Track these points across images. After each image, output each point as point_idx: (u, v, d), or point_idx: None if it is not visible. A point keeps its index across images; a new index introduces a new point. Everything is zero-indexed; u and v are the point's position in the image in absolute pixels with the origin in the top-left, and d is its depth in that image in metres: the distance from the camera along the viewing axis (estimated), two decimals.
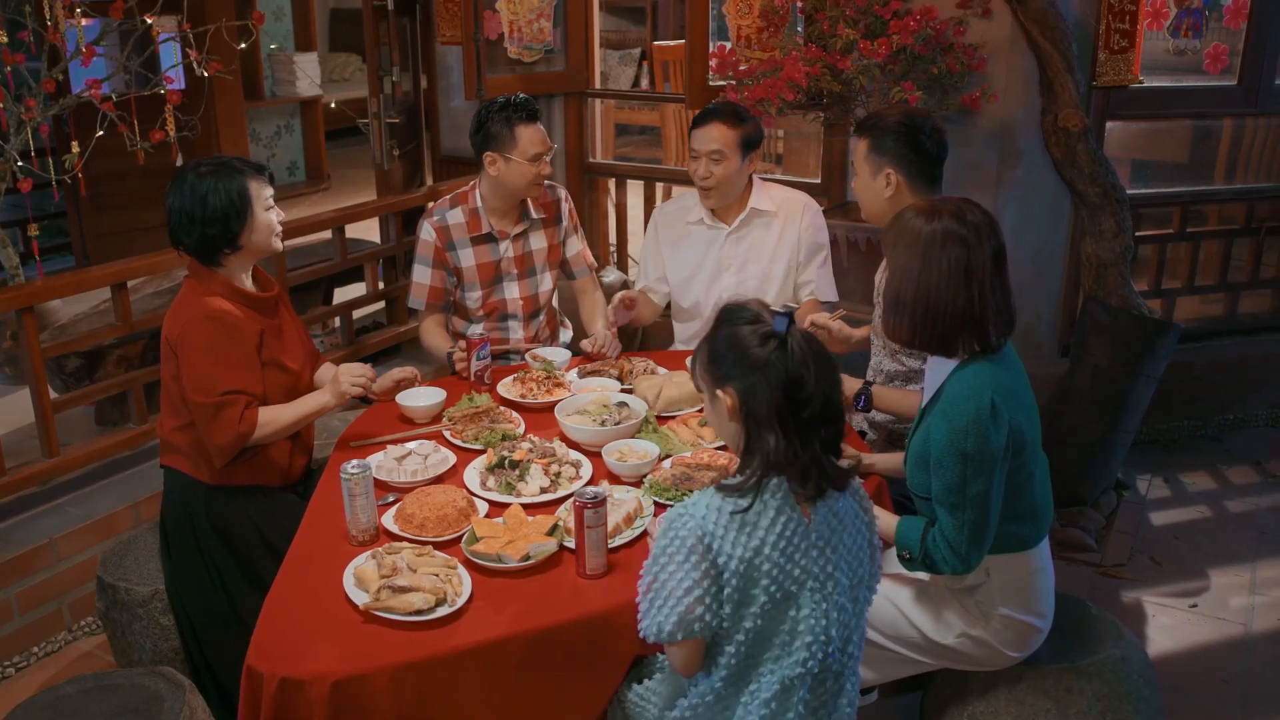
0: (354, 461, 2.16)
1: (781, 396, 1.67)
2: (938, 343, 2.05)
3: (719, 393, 1.74)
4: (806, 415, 1.67)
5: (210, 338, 2.43)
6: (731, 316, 1.75)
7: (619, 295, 3.07)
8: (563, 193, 3.29)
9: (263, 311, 2.58)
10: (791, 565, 1.70)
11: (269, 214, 2.55)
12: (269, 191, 2.57)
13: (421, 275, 3.18)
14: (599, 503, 1.99)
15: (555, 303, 3.39)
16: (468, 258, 3.15)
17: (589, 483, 2.36)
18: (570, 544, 2.09)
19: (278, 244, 2.60)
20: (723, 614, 1.69)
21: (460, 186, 3.24)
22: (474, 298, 3.20)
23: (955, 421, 1.98)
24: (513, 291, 3.21)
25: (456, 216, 3.15)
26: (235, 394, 2.42)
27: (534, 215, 3.19)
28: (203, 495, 2.54)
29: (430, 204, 3.23)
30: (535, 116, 3.03)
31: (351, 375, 2.55)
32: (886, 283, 2.10)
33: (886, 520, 2.14)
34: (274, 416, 2.49)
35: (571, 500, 2.04)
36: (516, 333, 3.26)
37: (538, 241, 3.22)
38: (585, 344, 3.12)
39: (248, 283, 2.60)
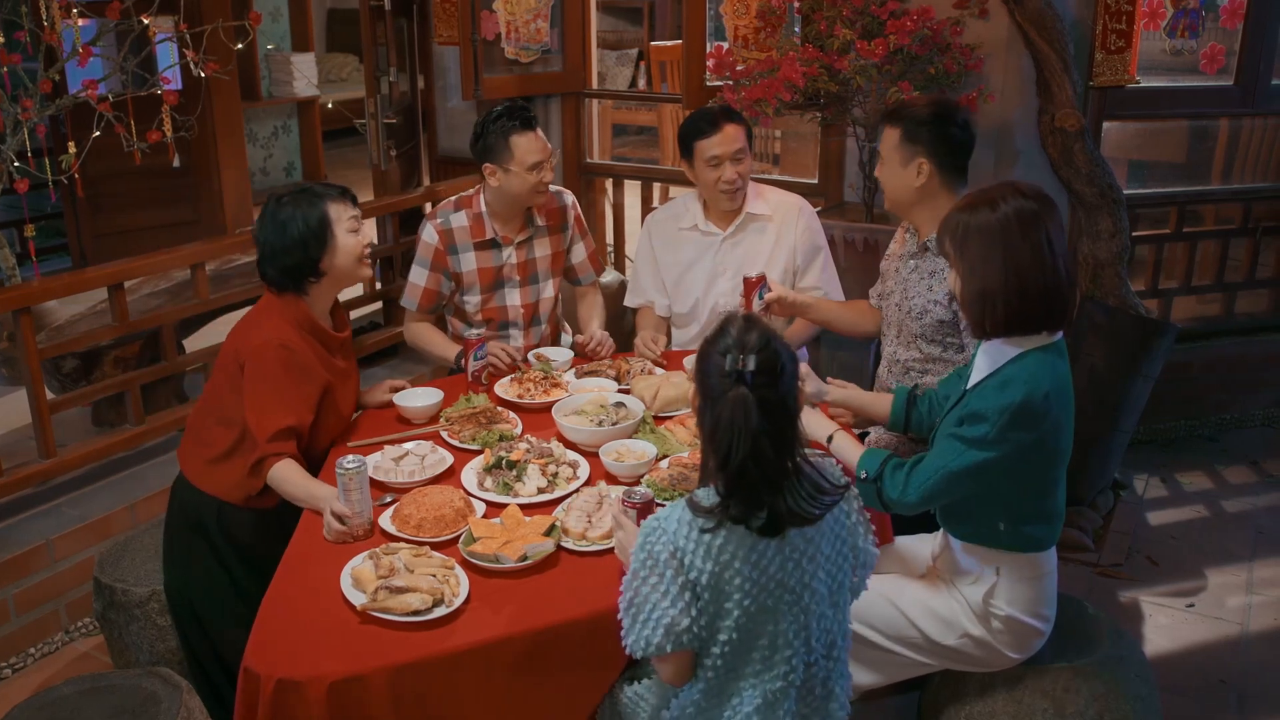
0: (350, 456, 2.16)
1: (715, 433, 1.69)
2: (1033, 321, 2.03)
3: (690, 393, 1.81)
4: (731, 467, 1.66)
5: (278, 368, 2.38)
6: (720, 335, 1.73)
7: (650, 341, 3.08)
8: (569, 199, 3.25)
9: (333, 351, 2.54)
10: (765, 579, 1.70)
11: (353, 237, 2.49)
12: (352, 212, 2.50)
13: (418, 276, 3.15)
14: (648, 504, 1.99)
15: (558, 309, 3.38)
16: (469, 262, 3.13)
17: (586, 483, 2.36)
18: (567, 544, 2.10)
19: (366, 270, 2.55)
20: (701, 623, 1.70)
21: (456, 187, 3.23)
22: (473, 303, 3.17)
23: (1011, 395, 1.99)
24: (514, 298, 3.19)
25: (460, 220, 3.12)
26: (285, 432, 2.36)
27: (538, 222, 3.15)
28: (216, 511, 2.48)
29: (434, 206, 3.21)
30: (530, 124, 2.98)
31: (335, 522, 2.19)
32: (965, 282, 2.07)
33: (851, 451, 2.21)
34: (290, 478, 2.34)
35: (620, 500, 2.02)
36: (517, 340, 3.23)
37: (541, 249, 3.20)
38: (579, 339, 3.12)
39: (326, 319, 2.57)
